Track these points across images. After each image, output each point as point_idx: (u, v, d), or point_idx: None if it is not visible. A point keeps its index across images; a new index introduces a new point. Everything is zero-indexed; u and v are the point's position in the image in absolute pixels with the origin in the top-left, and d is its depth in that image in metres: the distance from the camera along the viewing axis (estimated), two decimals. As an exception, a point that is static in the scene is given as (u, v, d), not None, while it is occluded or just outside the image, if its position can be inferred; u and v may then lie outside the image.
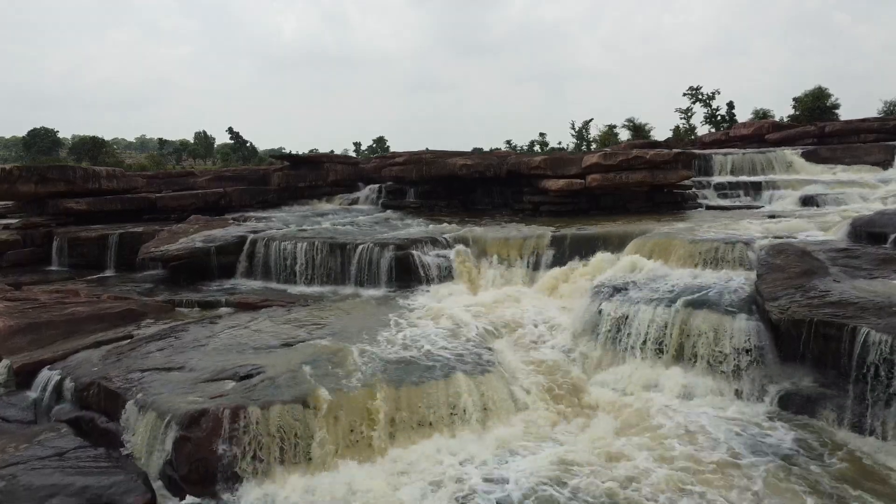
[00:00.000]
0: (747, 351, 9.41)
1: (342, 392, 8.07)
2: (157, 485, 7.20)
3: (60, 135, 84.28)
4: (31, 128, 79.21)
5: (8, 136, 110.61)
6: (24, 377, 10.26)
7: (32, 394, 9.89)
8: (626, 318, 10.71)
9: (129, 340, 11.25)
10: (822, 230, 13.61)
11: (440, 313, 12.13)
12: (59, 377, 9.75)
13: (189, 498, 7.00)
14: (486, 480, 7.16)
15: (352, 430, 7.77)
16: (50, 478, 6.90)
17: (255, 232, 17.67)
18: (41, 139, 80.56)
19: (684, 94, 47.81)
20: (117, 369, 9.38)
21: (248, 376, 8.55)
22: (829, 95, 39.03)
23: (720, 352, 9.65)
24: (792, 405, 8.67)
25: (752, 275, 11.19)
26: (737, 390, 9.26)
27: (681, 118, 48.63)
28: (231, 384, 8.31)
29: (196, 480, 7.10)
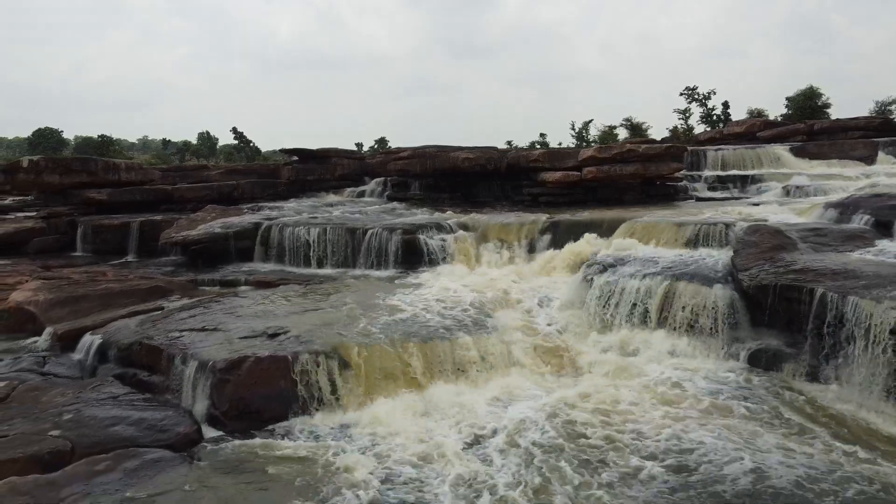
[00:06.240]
0: (722, 316, 10.48)
1: (363, 345, 9.15)
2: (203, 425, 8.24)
3: (63, 136, 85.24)
4: (34, 128, 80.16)
5: (10, 136, 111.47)
6: (67, 343, 11.26)
7: (77, 356, 10.91)
8: (615, 290, 11.78)
9: (161, 311, 12.31)
10: (798, 214, 14.68)
11: (445, 289, 13.20)
12: (101, 340, 10.81)
13: (229, 431, 8.04)
14: (487, 423, 8.21)
15: (368, 378, 8.84)
16: (110, 411, 7.98)
17: (269, 219, 18.75)
18: (46, 139, 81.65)
19: (681, 94, 48.92)
20: (156, 331, 10.44)
21: (277, 334, 9.63)
22: (820, 95, 40.16)
23: (698, 317, 10.72)
24: (759, 361, 9.75)
25: (731, 253, 12.25)
26: (713, 350, 10.32)
27: (679, 118, 49.76)
28: (263, 340, 9.39)
29: (235, 416, 8.17)
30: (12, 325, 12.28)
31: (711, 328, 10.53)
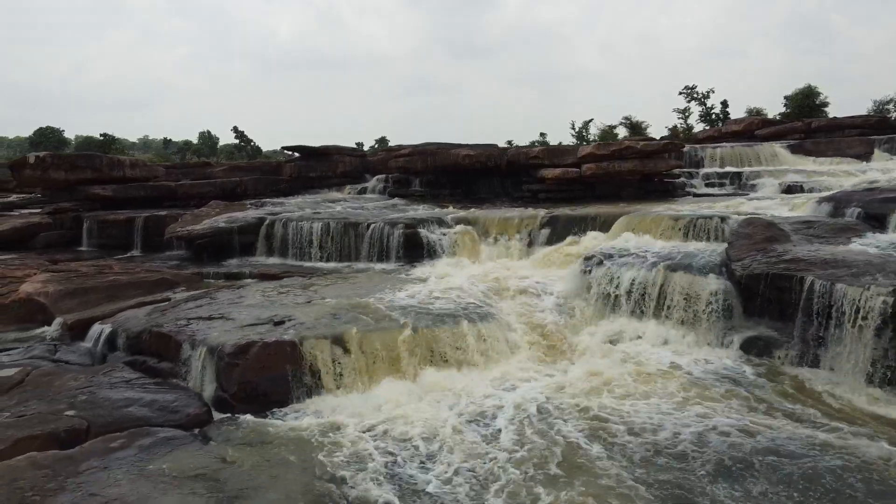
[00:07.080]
0: (716, 305, 10.75)
1: (366, 332, 9.44)
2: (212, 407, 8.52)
3: (64, 135, 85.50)
4: (34, 128, 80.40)
5: (11, 136, 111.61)
6: (77, 332, 11.56)
7: (87, 344, 11.19)
8: (612, 280, 12.06)
9: (168, 301, 12.60)
10: (792, 208, 14.96)
11: (446, 280, 13.46)
12: (111, 329, 11.09)
13: (237, 413, 8.31)
14: (488, 406, 8.49)
15: (370, 363, 9.12)
16: (123, 394, 8.26)
17: (272, 214, 19.04)
18: (48, 138, 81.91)
19: (680, 93, 49.22)
20: (164, 320, 10.72)
21: (282, 322, 9.90)
22: (818, 94, 40.45)
23: (693, 306, 11.00)
24: (751, 348, 10.02)
25: (726, 244, 12.53)
26: (707, 338, 10.60)
27: (678, 118, 50.04)
28: (269, 327, 9.66)
29: (243, 398, 8.44)
30: (23, 316, 12.58)
31: (706, 317, 10.80)
